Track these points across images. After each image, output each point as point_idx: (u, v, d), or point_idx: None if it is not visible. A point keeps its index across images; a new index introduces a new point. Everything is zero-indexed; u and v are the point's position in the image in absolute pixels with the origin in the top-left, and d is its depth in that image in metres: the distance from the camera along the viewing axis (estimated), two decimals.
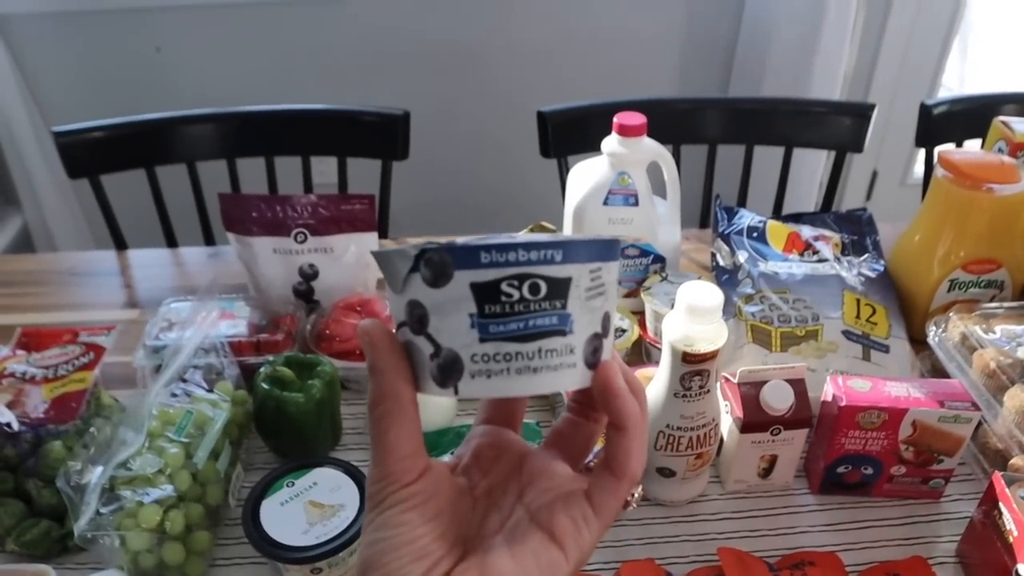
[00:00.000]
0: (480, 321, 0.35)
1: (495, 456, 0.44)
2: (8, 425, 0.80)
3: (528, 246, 0.34)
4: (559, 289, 0.35)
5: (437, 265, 0.35)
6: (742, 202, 1.48)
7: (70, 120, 1.29)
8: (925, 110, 1.40)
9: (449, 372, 0.36)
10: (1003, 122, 1.08)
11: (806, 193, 2.17)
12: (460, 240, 0.35)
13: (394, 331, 0.38)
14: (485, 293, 0.35)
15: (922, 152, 1.46)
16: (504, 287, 0.34)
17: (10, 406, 0.83)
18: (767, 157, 1.50)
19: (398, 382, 0.37)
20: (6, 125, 2.06)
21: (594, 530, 0.39)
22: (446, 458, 0.77)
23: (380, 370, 0.37)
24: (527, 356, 0.35)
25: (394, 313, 0.38)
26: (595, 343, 0.37)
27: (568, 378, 0.36)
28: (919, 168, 2.38)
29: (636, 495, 0.44)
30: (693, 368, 0.71)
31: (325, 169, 1.52)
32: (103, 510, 0.70)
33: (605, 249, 0.37)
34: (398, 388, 0.37)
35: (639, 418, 0.38)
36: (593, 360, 0.37)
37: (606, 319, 0.38)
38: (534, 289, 0.35)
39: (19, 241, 2.18)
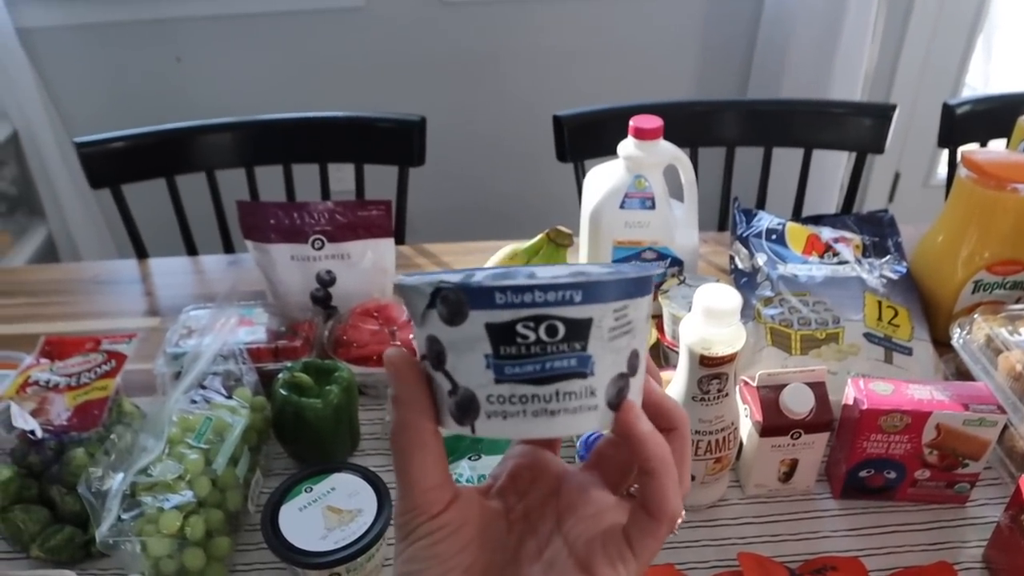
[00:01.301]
0: (495, 362, 0.34)
1: (532, 478, 0.43)
2: (32, 433, 0.81)
3: (546, 287, 0.33)
4: (579, 331, 0.34)
5: (452, 304, 0.34)
6: (761, 205, 1.47)
7: (93, 131, 1.30)
8: (948, 110, 1.38)
9: (466, 411, 0.35)
10: None
11: (827, 195, 2.15)
12: (478, 275, 0.35)
13: (419, 359, 0.37)
14: (500, 334, 0.34)
15: (945, 153, 1.45)
16: (520, 328, 0.33)
17: (34, 414, 0.84)
18: (786, 159, 1.49)
19: (419, 415, 0.36)
20: (30, 137, 2.10)
21: (632, 570, 0.38)
22: (464, 467, 0.78)
23: (402, 401, 0.37)
24: (544, 399, 0.34)
25: (417, 345, 0.37)
26: (620, 384, 0.36)
27: (589, 421, 0.35)
28: (942, 169, 2.36)
29: (679, 521, 0.43)
30: (711, 371, 0.71)
31: (342, 176, 1.53)
32: (124, 516, 0.71)
33: (633, 286, 0.35)
34: (419, 421, 0.36)
35: (667, 459, 0.37)
36: (618, 401, 0.36)
37: (634, 357, 0.36)
38: (551, 331, 0.34)
39: (44, 251, 2.21)
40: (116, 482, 0.71)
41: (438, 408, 0.36)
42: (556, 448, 0.46)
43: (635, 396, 0.37)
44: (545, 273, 0.35)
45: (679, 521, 0.41)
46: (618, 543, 0.38)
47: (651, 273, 0.37)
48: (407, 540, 0.37)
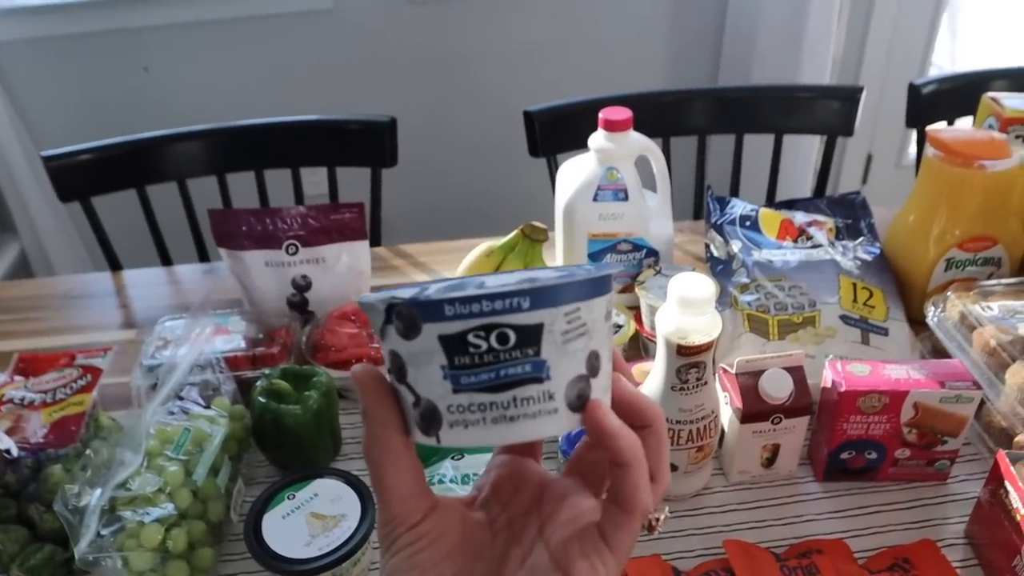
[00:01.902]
0: (451, 373, 0.35)
1: (514, 488, 0.43)
2: (8, 451, 0.80)
3: (493, 296, 0.34)
4: (530, 336, 0.34)
5: (406, 318, 0.34)
6: (735, 192, 1.47)
7: (62, 144, 1.29)
8: (914, 90, 1.39)
9: (429, 421, 0.36)
10: (992, 98, 1.08)
11: (800, 179, 2.16)
12: (431, 289, 0.35)
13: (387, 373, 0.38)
14: (453, 345, 0.34)
15: (914, 133, 1.46)
16: (471, 338, 0.34)
17: (10, 432, 0.83)
18: (759, 145, 1.49)
19: (388, 428, 0.37)
20: None
21: (611, 569, 0.38)
22: (447, 468, 0.78)
23: (371, 416, 0.37)
24: (502, 406, 0.35)
25: (384, 359, 0.38)
26: (580, 385, 0.36)
27: (550, 424, 0.36)
28: (913, 149, 2.38)
29: (662, 518, 0.43)
30: (688, 360, 0.71)
31: (317, 180, 1.52)
32: (104, 532, 0.70)
33: (584, 288, 0.35)
34: (389, 434, 0.37)
35: (637, 453, 0.37)
36: (579, 404, 0.36)
37: (593, 358, 0.36)
38: (502, 339, 0.34)
39: (17, 268, 2.18)
40: (94, 498, 0.71)
41: (406, 420, 0.37)
42: (537, 454, 0.46)
43: (601, 395, 0.37)
44: (494, 282, 0.35)
45: (663, 518, 0.41)
46: (593, 539, 0.38)
47: (602, 274, 0.37)
48: (389, 551, 0.38)
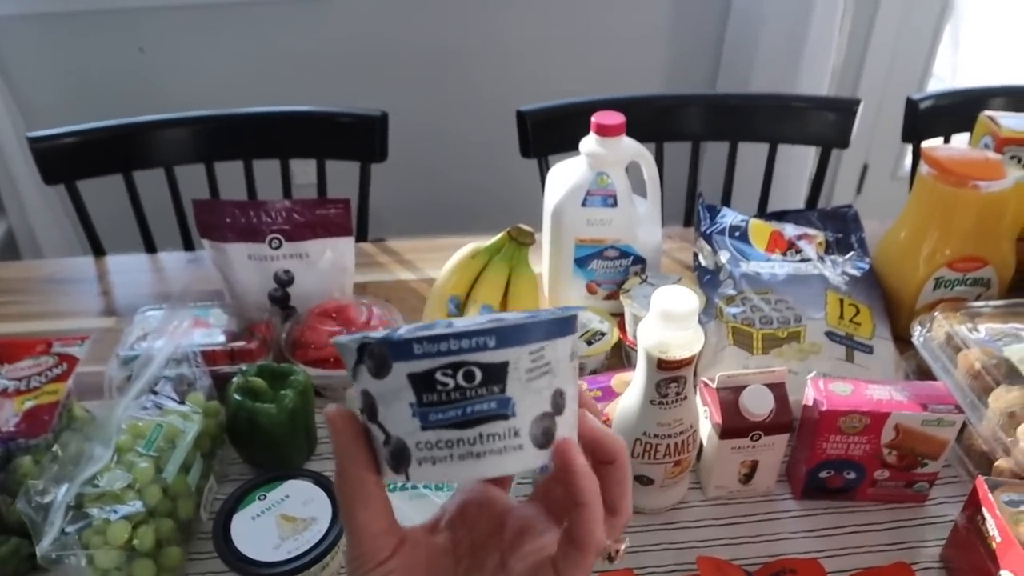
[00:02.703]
0: (420, 410, 0.36)
1: (479, 512, 0.44)
2: None
3: (460, 335, 0.35)
4: (495, 374, 0.36)
5: (377, 357, 0.36)
6: (727, 199, 1.47)
7: (54, 124, 1.27)
8: (911, 105, 1.38)
9: (399, 459, 0.37)
10: (989, 117, 1.07)
11: (795, 188, 2.15)
12: (402, 330, 0.37)
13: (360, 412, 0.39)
14: (421, 383, 0.35)
15: (911, 147, 1.45)
16: (439, 376, 0.35)
17: None
18: (755, 153, 1.48)
19: (359, 466, 0.38)
20: None
21: None
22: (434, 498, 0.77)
23: (343, 455, 0.38)
24: (468, 442, 0.36)
25: (356, 399, 0.39)
26: (545, 423, 0.37)
27: (516, 460, 0.36)
28: (910, 161, 2.37)
29: (623, 548, 0.43)
30: (669, 375, 0.70)
31: (308, 171, 1.51)
32: (69, 529, 0.69)
33: (548, 328, 0.37)
34: (360, 472, 0.38)
35: (596, 493, 0.38)
36: (544, 440, 0.37)
37: (558, 396, 0.38)
38: (469, 376, 0.35)
39: (4, 247, 2.17)
40: (60, 494, 0.70)
41: (377, 459, 0.38)
42: (506, 485, 0.46)
43: (567, 432, 0.38)
44: (463, 323, 0.37)
45: (623, 548, 0.41)
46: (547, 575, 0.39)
47: (567, 316, 0.38)
48: None
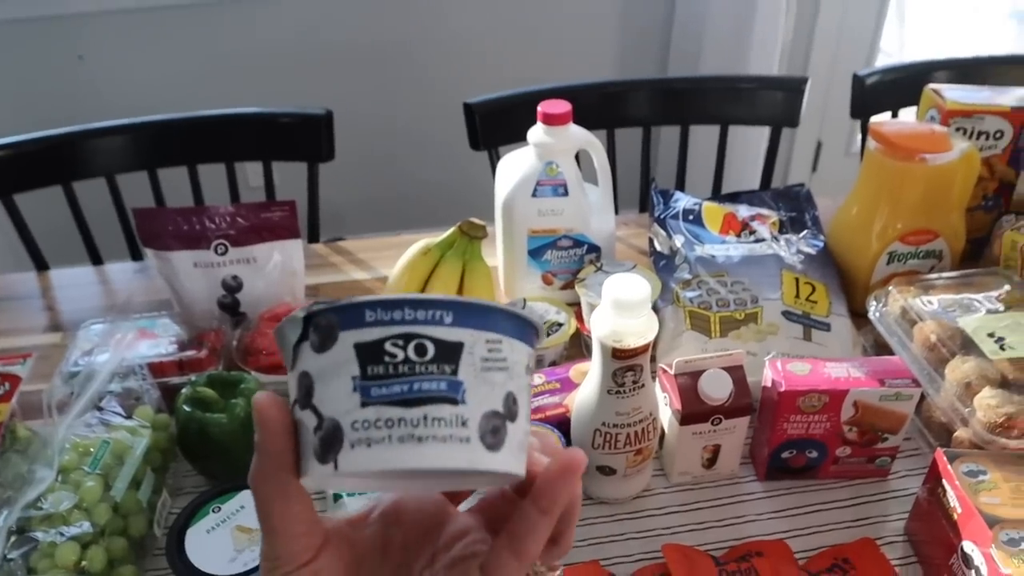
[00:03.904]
0: (362, 384, 0.33)
1: (417, 509, 0.41)
2: None
3: (416, 303, 0.33)
4: (448, 353, 0.33)
5: (323, 328, 0.33)
6: (681, 183, 1.46)
7: None
8: (858, 81, 1.38)
9: (329, 443, 0.33)
10: (934, 90, 1.07)
11: (750, 169, 2.16)
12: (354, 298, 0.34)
13: (290, 406, 0.35)
14: (368, 353, 0.33)
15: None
16: (388, 347, 0.33)
17: None
18: (707, 136, 1.48)
19: (283, 464, 0.34)
20: None
21: None
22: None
23: (266, 451, 0.34)
24: (411, 423, 0.32)
25: (290, 392, 0.36)
26: (495, 422, 0.34)
27: (460, 453, 0.33)
28: (861, 137, 2.39)
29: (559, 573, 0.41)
30: (624, 364, 0.69)
31: (259, 173, 1.47)
32: (12, 555, 0.66)
33: (508, 322, 0.35)
34: (282, 471, 0.34)
35: (561, 507, 0.35)
36: (492, 441, 0.34)
37: (510, 400, 0.35)
38: (420, 350, 0.33)
39: None
40: (0, 519, 0.67)
41: (302, 454, 0.34)
42: (458, 501, 0.43)
43: (515, 450, 0.35)
44: (412, 296, 0.34)
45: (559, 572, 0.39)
46: None
47: (529, 319, 0.36)
48: None
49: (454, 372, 0.33)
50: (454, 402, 0.33)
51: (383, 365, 0.32)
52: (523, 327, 0.36)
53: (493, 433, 0.34)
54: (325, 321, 0.33)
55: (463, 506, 0.43)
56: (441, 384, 0.33)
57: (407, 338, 0.33)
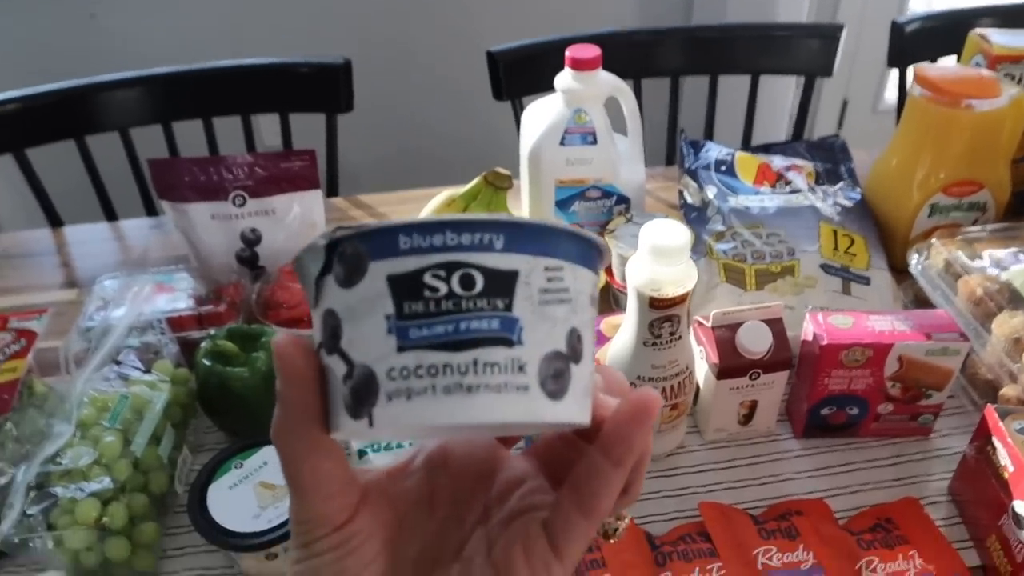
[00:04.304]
0: (399, 324, 0.27)
1: (466, 454, 0.36)
2: None
3: (460, 226, 0.27)
4: (501, 284, 0.28)
5: (350, 259, 0.28)
6: (709, 135, 1.42)
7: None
8: (897, 28, 1.33)
9: (362, 395, 0.28)
10: (980, 35, 1.02)
11: (776, 122, 2.11)
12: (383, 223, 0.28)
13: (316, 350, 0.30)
14: (405, 287, 0.27)
15: (894, 77, 1.41)
16: (428, 279, 0.27)
17: None
18: (734, 87, 1.44)
19: (310, 416, 0.29)
20: None
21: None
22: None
23: (290, 403, 0.29)
24: (458, 370, 0.27)
25: (314, 334, 0.30)
26: (558, 365, 0.29)
27: (517, 404, 0.28)
28: (890, 93, 2.33)
29: (623, 527, 0.37)
30: (662, 314, 0.66)
31: (275, 130, 1.44)
32: (31, 510, 0.64)
33: (569, 244, 0.29)
34: (308, 427, 0.29)
35: (635, 458, 0.31)
36: (555, 388, 0.29)
37: (574, 338, 0.29)
38: (467, 282, 0.27)
39: None
40: (19, 474, 0.65)
41: (331, 406, 0.29)
42: (511, 444, 0.39)
43: (580, 395, 0.30)
44: (454, 216, 0.28)
45: (623, 527, 0.36)
46: (542, 552, 0.32)
47: (594, 241, 0.30)
48: (306, 550, 0.31)
49: (508, 307, 0.28)
50: (509, 343, 0.28)
51: (423, 301, 0.27)
52: (587, 250, 0.30)
53: (555, 378, 0.29)
54: (351, 249, 0.28)
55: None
56: (493, 322, 0.28)
57: (450, 267, 0.27)
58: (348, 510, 0.31)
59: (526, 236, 0.28)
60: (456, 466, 0.36)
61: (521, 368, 0.28)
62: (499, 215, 0.28)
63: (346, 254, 0.28)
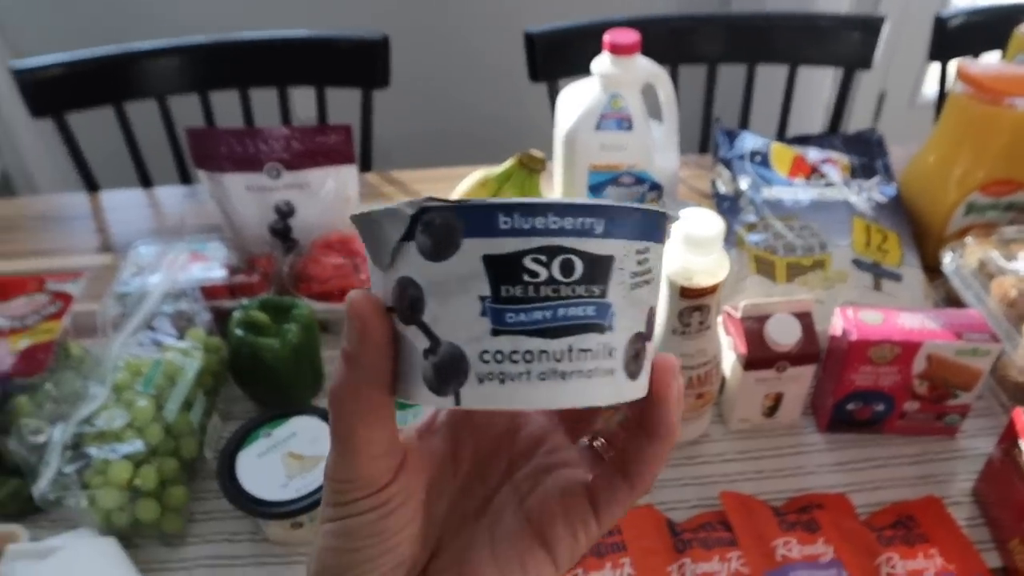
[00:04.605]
0: (494, 307, 0.27)
1: (489, 412, 0.36)
2: None
3: (562, 209, 0.27)
4: (599, 271, 0.28)
5: (440, 230, 0.27)
6: (744, 125, 1.41)
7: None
8: (940, 23, 1.31)
9: (449, 374, 0.28)
10: None
11: (811, 114, 2.08)
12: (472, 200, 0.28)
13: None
14: (503, 270, 0.27)
15: (933, 71, 1.38)
16: (528, 263, 0.27)
17: None
18: (770, 77, 1.42)
19: (376, 379, 0.29)
20: None
21: (593, 537, 0.33)
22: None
23: (360, 365, 0.29)
24: (554, 356, 0.27)
25: (380, 293, 0.30)
26: (637, 347, 0.29)
27: (605, 388, 0.28)
28: (929, 88, 2.29)
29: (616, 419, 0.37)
30: (692, 303, 0.66)
31: (308, 105, 1.45)
32: (67, 469, 0.66)
33: (654, 225, 0.29)
34: (374, 390, 0.29)
35: (677, 429, 0.31)
36: (634, 368, 0.29)
37: (651, 317, 0.30)
38: (567, 268, 0.27)
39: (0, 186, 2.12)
40: (55, 434, 0.67)
41: (403, 374, 0.29)
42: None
43: (649, 366, 0.31)
44: (553, 199, 0.28)
45: None
46: (582, 510, 0.33)
47: (670, 215, 0.30)
48: (344, 509, 0.31)
49: (603, 293, 0.28)
50: (601, 329, 0.28)
51: (522, 286, 0.27)
52: (664, 226, 0.30)
53: (635, 359, 0.29)
54: (443, 221, 0.27)
55: None
56: (589, 309, 0.28)
57: (552, 252, 0.27)
58: (390, 473, 0.31)
59: (623, 219, 0.28)
60: (478, 423, 0.36)
61: (611, 353, 0.28)
62: (595, 199, 0.28)
63: (435, 225, 0.27)
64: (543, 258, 0.27)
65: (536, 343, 0.27)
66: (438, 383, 0.28)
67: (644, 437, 0.31)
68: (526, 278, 0.27)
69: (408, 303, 0.28)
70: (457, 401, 0.28)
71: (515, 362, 0.27)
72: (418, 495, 0.33)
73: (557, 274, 0.27)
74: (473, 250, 0.27)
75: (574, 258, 0.27)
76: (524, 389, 0.27)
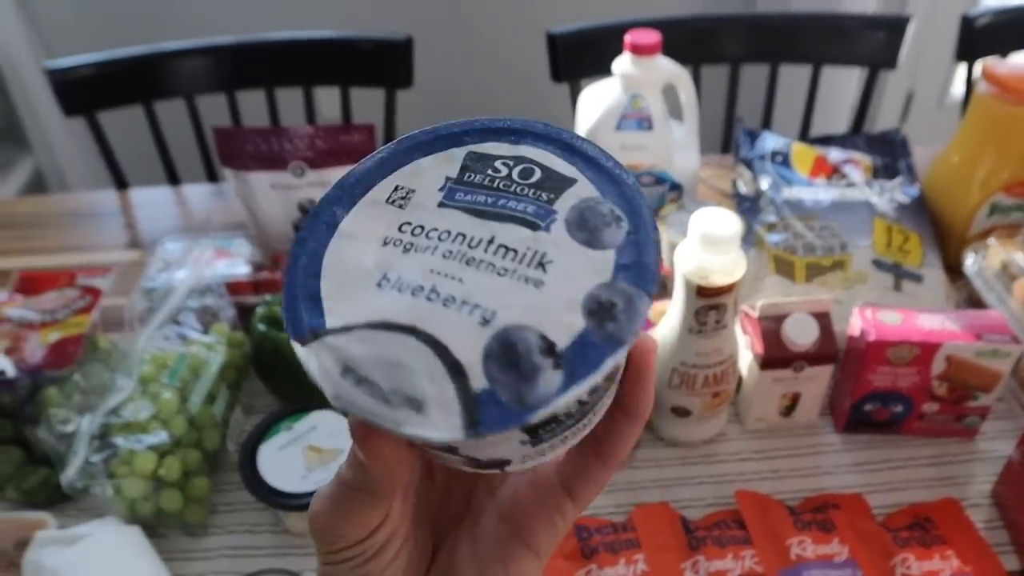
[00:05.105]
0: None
1: None
2: (2, 372, 0.78)
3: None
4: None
5: None
6: (766, 125, 1.40)
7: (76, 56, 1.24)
8: (966, 22, 1.30)
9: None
10: None
11: (836, 115, 2.07)
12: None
13: None
14: None
15: (962, 71, 1.37)
16: None
17: (8, 352, 0.81)
18: (794, 77, 1.41)
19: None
20: (10, 65, 2.02)
21: (571, 519, 0.33)
22: None
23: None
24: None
25: None
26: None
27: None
28: (957, 89, 2.27)
29: None
30: (708, 302, 0.66)
31: (333, 104, 1.46)
32: (94, 458, 0.68)
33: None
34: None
35: (650, 407, 0.32)
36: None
37: None
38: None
39: (31, 185, 2.16)
40: (83, 423, 0.69)
41: None
42: None
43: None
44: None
45: None
46: (556, 496, 0.33)
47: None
48: (331, 556, 0.32)
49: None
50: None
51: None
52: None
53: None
54: None
55: None
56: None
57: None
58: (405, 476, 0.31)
59: None
60: None
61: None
62: None
63: None
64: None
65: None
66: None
67: (621, 415, 0.31)
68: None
69: None
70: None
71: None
72: (405, 524, 0.32)
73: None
74: None
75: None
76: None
